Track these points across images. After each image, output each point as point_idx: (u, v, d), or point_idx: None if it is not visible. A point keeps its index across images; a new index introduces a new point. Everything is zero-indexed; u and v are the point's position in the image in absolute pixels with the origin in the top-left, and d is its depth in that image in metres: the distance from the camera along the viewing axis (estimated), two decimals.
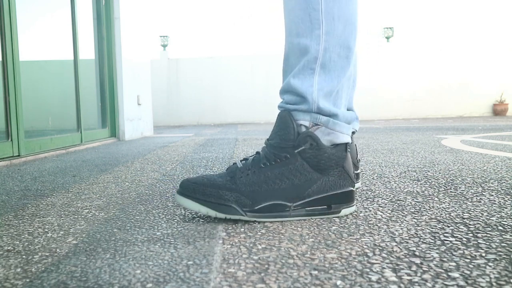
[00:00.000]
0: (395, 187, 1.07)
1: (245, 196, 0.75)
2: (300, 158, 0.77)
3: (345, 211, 0.79)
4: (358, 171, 1.03)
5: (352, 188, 0.80)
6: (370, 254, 0.58)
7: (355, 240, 0.64)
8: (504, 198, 0.91)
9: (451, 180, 1.16)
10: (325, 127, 0.78)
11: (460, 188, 1.04)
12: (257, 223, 0.76)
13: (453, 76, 8.33)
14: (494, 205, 0.85)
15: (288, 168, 0.76)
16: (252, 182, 0.76)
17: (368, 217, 0.78)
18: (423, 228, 0.70)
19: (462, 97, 8.33)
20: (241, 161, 0.82)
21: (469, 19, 8.46)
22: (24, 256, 0.62)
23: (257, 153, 0.83)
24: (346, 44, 0.79)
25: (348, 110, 0.92)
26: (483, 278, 0.49)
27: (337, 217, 0.79)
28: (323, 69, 0.78)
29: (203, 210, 0.76)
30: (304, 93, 0.78)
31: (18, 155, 2.05)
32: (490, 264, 0.53)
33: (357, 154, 1.03)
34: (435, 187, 1.06)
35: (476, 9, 8.48)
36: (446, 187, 1.06)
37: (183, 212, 0.87)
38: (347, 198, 0.79)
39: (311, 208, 0.77)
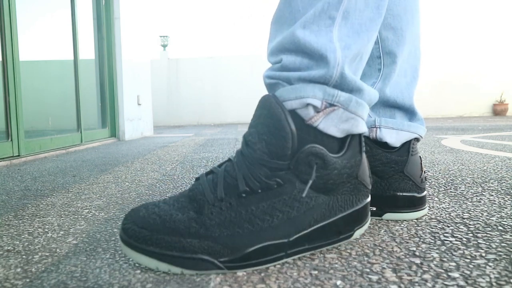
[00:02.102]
0: None
1: (220, 244, 0.51)
2: (300, 183, 0.53)
3: (359, 232, 0.58)
4: (424, 193, 0.76)
5: (367, 200, 0.59)
6: (370, 254, 0.58)
7: (355, 240, 0.64)
8: (504, 198, 0.91)
9: (451, 180, 1.16)
10: (344, 109, 0.53)
11: (460, 188, 1.04)
12: None
13: (453, 76, 8.33)
14: (494, 205, 0.85)
15: (282, 199, 0.52)
16: (229, 222, 0.52)
17: None
18: (423, 228, 0.70)
19: (462, 97, 8.33)
20: (207, 174, 0.57)
21: (469, 19, 8.46)
22: (24, 256, 0.62)
23: (229, 160, 0.57)
24: None
25: (399, 104, 0.75)
26: (483, 278, 0.49)
27: (350, 240, 0.63)
28: (346, 19, 0.52)
29: (163, 267, 0.52)
30: (323, 50, 0.51)
31: (18, 155, 2.05)
32: (490, 264, 0.53)
33: (422, 170, 0.75)
34: (435, 187, 1.06)
35: (476, 9, 8.48)
36: (446, 187, 1.06)
37: None
38: (362, 216, 0.58)
39: (314, 239, 0.55)
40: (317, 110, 0.53)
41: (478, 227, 0.69)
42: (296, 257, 0.56)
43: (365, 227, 0.59)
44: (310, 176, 0.52)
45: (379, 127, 0.74)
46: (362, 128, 0.55)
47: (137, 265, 0.57)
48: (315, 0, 0.52)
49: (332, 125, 0.53)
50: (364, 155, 0.58)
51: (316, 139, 0.53)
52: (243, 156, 0.55)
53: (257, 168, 0.53)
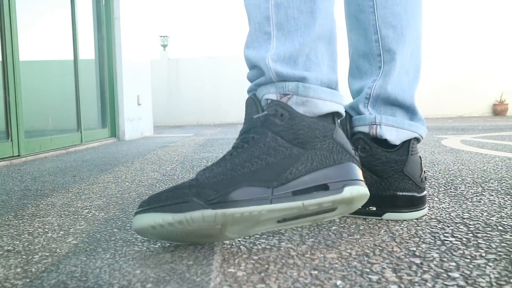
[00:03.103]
0: None
1: (207, 188, 0.57)
2: (271, 133, 0.60)
3: (349, 190, 0.57)
4: (424, 193, 0.76)
5: (352, 163, 0.60)
6: (370, 254, 0.58)
7: (355, 240, 0.64)
8: (504, 198, 0.91)
9: (451, 180, 1.16)
10: (296, 95, 0.62)
11: (460, 188, 1.04)
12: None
13: (453, 76, 8.34)
14: (494, 205, 0.85)
15: (258, 147, 0.59)
16: (217, 173, 0.59)
17: (368, 217, 0.78)
18: (423, 228, 0.70)
19: (462, 97, 8.34)
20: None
21: (469, 19, 8.46)
22: (24, 256, 0.62)
23: None
24: None
25: (400, 102, 0.76)
26: (483, 278, 0.49)
27: (343, 199, 0.58)
28: (281, 30, 0.62)
29: (157, 218, 0.57)
30: (257, 62, 0.63)
31: (18, 155, 2.05)
32: (490, 264, 0.53)
33: (422, 170, 0.76)
34: (435, 187, 1.06)
35: (476, 9, 8.48)
36: (446, 187, 1.06)
37: None
38: (348, 174, 0.59)
39: (299, 190, 0.57)
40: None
41: (478, 227, 0.69)
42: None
43: (359, 188, 0.58)
44: (277, 128, 0.61)
45: (379, 124, 0.75)
46: (322, 108, 0.62)
47: (137, 265, 0.57)
48: (250, 23, 0.65)
49: (293, 108, 0.62)
50: (339, 128, 0.63)
51: None
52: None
53: (239, 137, 0.63)
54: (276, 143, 0.59)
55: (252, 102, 0.64)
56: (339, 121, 0.65)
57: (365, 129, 0.76)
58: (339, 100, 0.64)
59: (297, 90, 0.62)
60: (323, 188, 0.57)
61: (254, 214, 0.56)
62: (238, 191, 0.56)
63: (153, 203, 0.59)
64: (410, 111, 0.78)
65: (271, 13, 0.62)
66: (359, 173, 0.60)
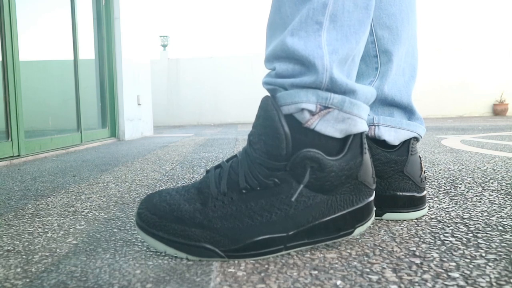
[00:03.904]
0: None
1: (221, 236, 0.55)
2: (296, 183, 0.55)
3: (359, 230, 0.59)
4: (424, 193, 0.76)
5: (370, 199, 0.59)
6: (370, 254, 0.58)
7: (355, 240, 0.64)
8: (504, 198, 0.91)
9: (451, 180, 1.16)
10: (339, 111, 0.54)
11: (460, 188, 1.04)
12: None
13: (453, 76, 8.34)
14: (494, 205, 0.85)
15: (279, 198, 0.55)
16: (230, 215, 0.55)
17: None
18: (423, 228, 0.70)
19: (462, 97, 8.34)
20: (215, 168, 0.61)
21: (469, 19, 8.46)
22: (24, 256, 0.62)
23: (236, 156, 0.61)
24: None
25: (397, 102, 0.75)
26: (483, 278, 0.49)
27: (351, 237, 0.64)
28: (334, 23, 0.54)
29: (170, 251, 0.57)
30: (311, 57, 0.53)
31: (18, 155, 2.05)
32: (490, 264, 0.53)
33: (421, 170, 0.76)
34: (435, 187, 1.06)
35: (476, 9, 8.48)
36: (446, 187, 1.06)
37: None
38: (363, 214, 0.58)
39: (313, 235, 0.57)
40: (312, 113, 0.54)
41: (478, 227, 0.69)
42: (295, 250, 0.58)
43: (367, 225, 0.60)
44: (303, 179, 0.55)
45: (378, 125, 0.75)
46: (361, 127, 0.56)
47: (137, 265, 0.57)
48: (301, 6, 0.54)
49: (329, 126, 0.55)
50: (366, 156, 0.58)
51: (314, 140, 0.55)
52: (246, 154, 0.58)
53: (256, 167, 0.56)
54: (299, 195, 0.55)
55: (277, 120, 0.54)
56: (366, 142, 0.59)
57: None
58: (367, 116, 0.59)
59: (342, 105, 0.54)
60: (336, 230, 0.57)
61: (266, 257, 0.57)
62: (254, 241, 0.55)
63: (161, 232, 0.57)
64: (407, 110, 0.78)
65: (330, 1, 0.53)
66: (372, 206, 0.60)
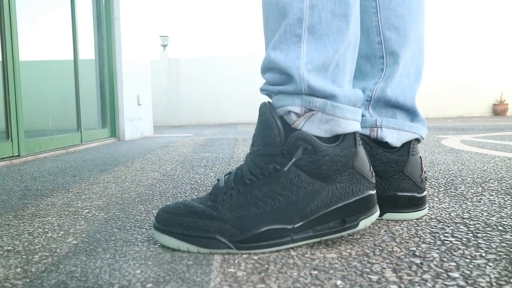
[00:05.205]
0: None
1: (230, 224, 0.59)
2: (294, 167, 0.59)
3: (364, 223, 0.61)
4: (424, 193, 0.76)
5: (371, 192, 0.62)
6: (370, 254, 0.58)
7: (355, 240, 0.64)
8: (504, 198, 0.91)
9: (451, 180, 1.16)
10: (322, 113, 0.59)
11: (460, 188, 1.04)
12: None
13: (453, 76, 8.34)
14: (494, 205, 0.85)
15: (280, 183, 0.59)
16: (237, 205, 0.60)
17: None
18: (423, 228, 0.70)
19: (462, 97, 8.34)
20: (225, 175, 0.66)
21: (469, 19, 8.46)
22: (24, 256, 0.62)
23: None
24: None
25: (401, 104, 0.76)
26: (483, 278, 0.49)
27: (357, 230, 0.66)
28: (312, 34, 0.58)
29: (183, 246, 0.61)
30: (289, 69, 0.59)
31: (18, 155, 2.05)
32: (490, 264, 0.53)
33: (422, 171, 0.76)
34: (435, 187, 1.06)
35: (477, 9, 8.48)
36: (446, 187, 1.06)
37: None
38: (366, 206, 0.61)
39: (319, 227, 0.60)
40: (298, 115, 0.60)
41: (478, 227, 0.69)
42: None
43: (371, 219, 0.62)
44: (296, 154, 0.59)
45: (380, 127, 0.75)
46: (345, 127, 0.61)
47: (137, 265, 0.57)
48: (281, 22, 0.59)
49: (315, 127, 0.60)
50: (361, 148, 0.62)
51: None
52: (249, 153, 0.64)
53: (257, 158, 0.62)
54: (298, 179, 0.59)
55: (270, 115, 0.60)
56: (359, 139, 0.62)
57: (366, 131, 0.75)
58: (359, 117, 0.63)
59: (324, 108, 0.59)
60: (341, 222, 0.60)
61: (274, 250, 0.60)
62: (261, 232, 0.59)
63: (175, 227, 0.61)
64: (411, 112, 0.78)
65: (305, 15, 0.57)
66: (374, 199, 0.63)
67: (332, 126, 0.60)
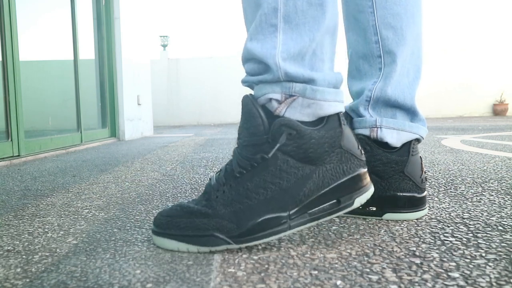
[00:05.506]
0: None
1: (226, 220, 0.59)
2: (281, 154, 0.59)
3: (359, 200, 0.61)
4: (424, 194, 0.76)
5: (362, 170, 0.62)
6: (370, 254, 0.58)
7: (355, 240, 0.64)
8: (504, 198, 0.91)
9: (451, 180, 1.16)
10: (303, 97, 0.60)
11: (460, 188, 1.04)
12: None
13: (453, 76, 8.33)
14: (494, 205, 0.85)
15: (269, 171, 0.59)
16: (231, 200, 0.60)
17: (368, 217, 0.78)
18: (423, 228, 0.70)
19: (462, 97, 8.33)
20: (216, 173, 0.66)
21: (469, 19, 8.46)
22: (24, 256, 0.62)
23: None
24: None
25: (400, 104, 0.76)
26: (483, 278, 0.49)
27: (352, 210, 0.63)
28: (288, 23, 0.59)
29: (182, 246, 0.61)
30: (265, 58, 0.59)
31: (18, 155, 2.05)
32: (490, 264, 0.53)
33: (422, 171, 0.76)
34: (435, 187, 1.06)
35: (477, 9, 8.48)
36: (446, 187, 1.06)
37: None
38: (359, 184, 0.61)
39: (315, 210, 0.60)
40: (279, 102, 0.60)
41: (478, 227, 0.69)
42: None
43: (366, 195, 0.62)
44: (281, 141, 0.58)
45: (380, 127, 0.75)
46: (328, 109, 0.60)
47: (137, 265, 0.57)
48: (255, 12, 0.60)
49: (297, 112, 0.60)
50: (346, 127, 0.62)
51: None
52: (236, 147, 0.64)
53: (245, 150, 0.61)
54: (287, 165, 0.59)
55: (251, 105, 0.60)
56: (344, 119, 0.63)
57: (365, 131, 0.75)
58: (341, 98, 0.63)
59: (304, 92, 0.59)
60: (336, 203, 0.60)
61: (274, 239, 0.61)
62: (257, 223, 0.59)
63: (173, 229, 0.61)
64: (410, 112, 0.78)
65: (280, 4, 0.58)
66: (366, 177, 0.63)
67: (314, 110, 0.60)
